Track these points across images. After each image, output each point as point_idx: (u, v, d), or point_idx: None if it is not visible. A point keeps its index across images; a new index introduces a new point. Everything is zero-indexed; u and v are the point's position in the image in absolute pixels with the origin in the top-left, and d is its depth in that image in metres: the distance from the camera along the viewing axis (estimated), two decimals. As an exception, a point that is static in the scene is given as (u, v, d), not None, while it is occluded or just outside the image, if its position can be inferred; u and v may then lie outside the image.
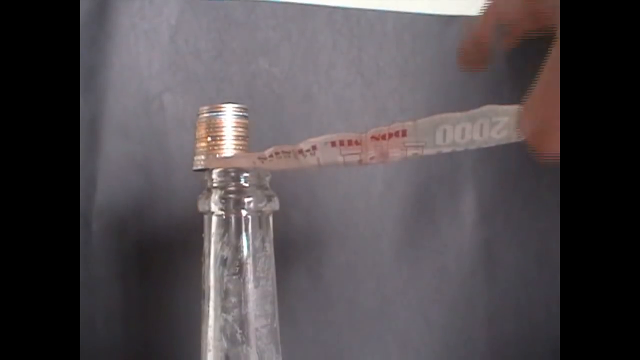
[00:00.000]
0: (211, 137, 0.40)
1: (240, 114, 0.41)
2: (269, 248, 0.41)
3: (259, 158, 0.38)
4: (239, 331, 0.40)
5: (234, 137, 0.40)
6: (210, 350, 0.40)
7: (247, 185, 0.40)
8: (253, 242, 0.40)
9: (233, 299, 0.40)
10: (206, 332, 0.41)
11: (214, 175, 0.41)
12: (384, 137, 0.37)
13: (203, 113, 0.41)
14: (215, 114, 0.40)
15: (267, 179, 0.41)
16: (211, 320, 0.41)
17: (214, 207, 0.40)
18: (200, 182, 0.42)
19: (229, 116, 0.40)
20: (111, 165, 0.59)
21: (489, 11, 0.44)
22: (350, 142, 0.36)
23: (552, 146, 0.31)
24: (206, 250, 0.41)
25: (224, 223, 0.40)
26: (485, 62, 0.45)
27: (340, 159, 0.37)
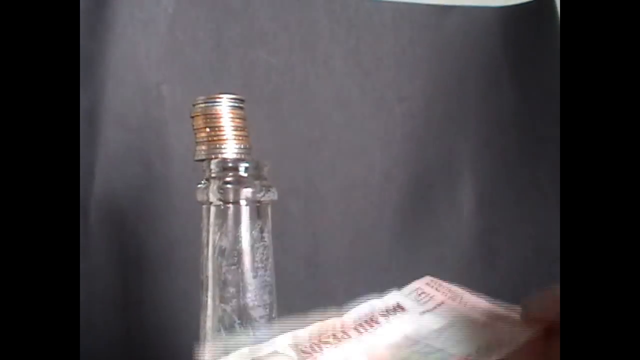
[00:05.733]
0: (209, 127, 0.40)
1: (236, 104, 0.41)
2: (268, 238, 0.41)
3: None
4: (238, 321, 0.40)
5: (232, 128, 0.40)
6: (208, 341, 0.40)
7: (245, 175, 0.40)
8: (251, 232, 0.40)
9: (231, 290, 0.40)
10: (205, 322, 0.41)
11: (213, 165, 0.40)
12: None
13: (199, 103, 0.41)
14: (211, 104, 0.40)
15: (266, 169, 0.41)
16: (209, 311, 0.41)
17: (213, 197, 0.40)
18: (198, 172, 0.42)
19: (224, 106, 0.40)
20: (109, 155, 0.59)
21: None
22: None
23: None
24: (204, 241, 0.41)
25: (223, 213, 0.40)
26: None
27: None
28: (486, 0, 0.68)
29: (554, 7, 0.66)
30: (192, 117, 0.41)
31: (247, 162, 0.41)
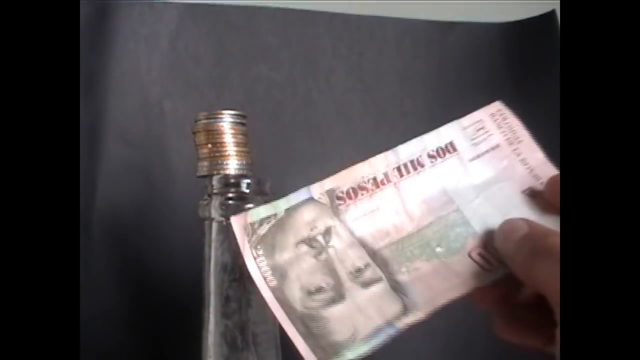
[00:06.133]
0: (211, 143, 0.40)
1: (238, 120, 0.41)
2: (270, 254, 0.41)
3: None
4: (240, 337, 0.40)
5: (234, 144, 0.40)
6: (210, 356, 0.40)
7: (247, 191, 0.40)
8: (253, 248, 0.40)
9: (233, 305, 0.40)
10: (207, 338, 0.41)
11: (215, 181, 0.41)
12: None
13: (201, 119, 0.41)
14: (213, 120, 0.40)
15: (268, 185, 0.41)
16: (212, 326, 0.40)
17: (215, 214, 0.40)
18: (200, 188, 0.42)
19: (226, 122, 0.40)
20: (111, 170, 0.59)
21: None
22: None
23: None
24: (206, 256, 0.41)
25: (225, 229, 0.40)
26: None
27: None
28: (489, 17, 0.69)
29: (556, 23, 0.66)
30: (194, 133, 0.41)
31: (249, 178, 0.41)
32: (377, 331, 0.34)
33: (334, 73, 0.64)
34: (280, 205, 0.37)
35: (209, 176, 0.41)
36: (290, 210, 0.37)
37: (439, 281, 0.36)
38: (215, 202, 0.40)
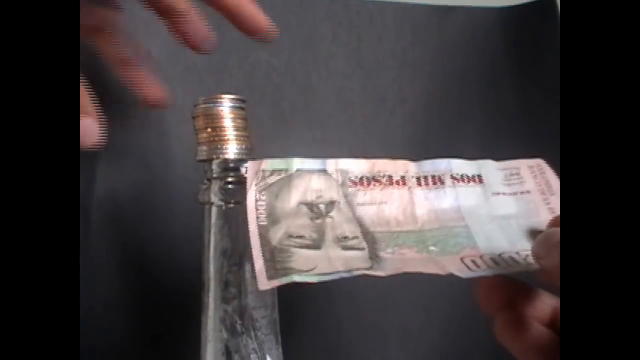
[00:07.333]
0: (211, 128, 0.40)
1: (238, 105, 0.41)
2: (269, 239, 0.41)
3: None
4: (239, 322, 0.40)
5: (234, 128, 0.40)
6: (210, 342, 0.40)
7: (247, 176, 0.40)
8: (253, 233, 0.40)
9: (233, 290, 0.40)
10: (206, 324, 0.41)
11: (215, 166, 0.41)
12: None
13: (200, 104, 0.41)
14: (212, 104, 0.40)
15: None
16: (211, 312, 0.41)
17: (214, 198, 0.40)
18: (200, 173, 0.42)
19: (226, 107, 0.40)
20: (110, 156, 0.58)
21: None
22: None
23: None
24: (206, 242, 0.41)
25: (224, 214, 0.40)
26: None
27: None
28: (488, 1, 0.68)
29: (555, 7, 0.66)
30: (194, 118, 0.41)
31: (248, 163, 0.41)
32: (334, 273, 0.35)
33: (334, 58, 0.64)
34: (294, 164, 0.38)
35: (209, 161, 0.41)
36: (301, 172, 0.38)
37: (417, 263, 0.36)
38: (215, 186, 0.40)
